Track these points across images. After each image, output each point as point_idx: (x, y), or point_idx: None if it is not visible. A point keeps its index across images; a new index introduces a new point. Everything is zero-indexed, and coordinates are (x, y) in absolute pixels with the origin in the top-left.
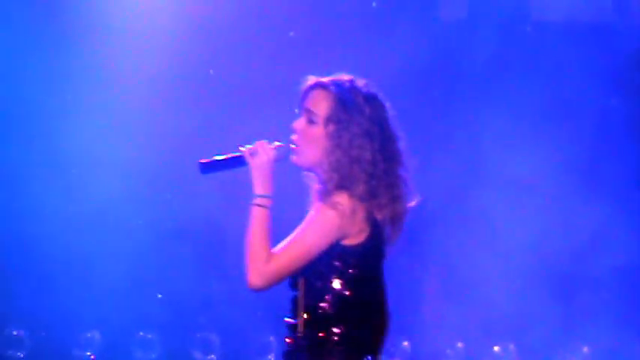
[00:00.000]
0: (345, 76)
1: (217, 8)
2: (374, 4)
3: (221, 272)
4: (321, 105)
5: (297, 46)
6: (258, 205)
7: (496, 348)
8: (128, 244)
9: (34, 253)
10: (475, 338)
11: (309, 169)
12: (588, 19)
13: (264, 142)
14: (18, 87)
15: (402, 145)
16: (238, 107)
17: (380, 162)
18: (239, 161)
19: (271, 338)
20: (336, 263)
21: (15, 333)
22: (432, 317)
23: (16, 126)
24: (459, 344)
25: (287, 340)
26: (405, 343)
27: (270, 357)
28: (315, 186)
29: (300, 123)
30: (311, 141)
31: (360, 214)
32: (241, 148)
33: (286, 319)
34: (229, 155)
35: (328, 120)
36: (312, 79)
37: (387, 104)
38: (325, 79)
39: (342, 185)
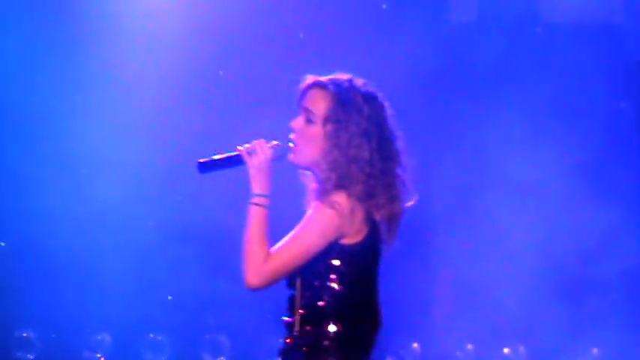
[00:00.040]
0: (343, 76)
1: (227, 10)
2: (384, 6)
3: (231, 274)
4: (320, 104)
5: (307, 47)
6: (256, 205)
7: (506, 350)
8: (138, 245)
9: (43, 254)
10: (485, 340)
11: (307, 169)
12: (598, 21)
13: (261, 141)
14: (28, 88)
15: (401, 144)
16: (248, 108)
17: (378, 162)
18: (237, 160)
19: (280, 340)
20: (334, 262)
21: (25, 335)
22: (441, 319)
23: (26, 127)
24: (469, 346)
25: (284, 338)
26: (415, 345)
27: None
28: (312, 185)
29: (298, 122)
30: (309, 140)
31: (359, 214)
32: (239, 148)
33: (283, 318)
34: (227, 154)
35: (327, 119)
36: (310, 78)
37: (386, 104)
38: (324, 79)
39: (340, 185)
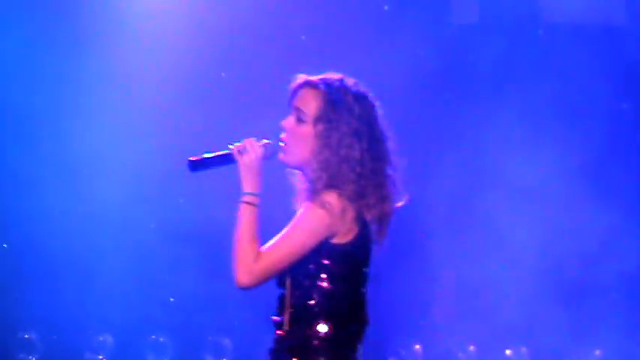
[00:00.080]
0: (334, 75)
1: (228, 12)
2: (386, 8)
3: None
4: (311, 104)
5: (309, 49)
6: (247, 203)
7: (508, 351)
8: (139, 246)
9: (45, 255)
10: (487, 341)
11: (298, 168)
12: (600, 23)
13: (252, 139)
14: (28, 89)
15: (391, 144)
16: (250, 110)
17: (368, 161)
18: (228, 159)
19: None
20: (325, 262)
21: (27, 336)
22: (443, 320)
23: (27, 128)
24: (471, 347)
25: (273, 337)
26: (417, 347)
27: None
28: (302, 185)
29: (289, 121)
30: (300, 140)
31: (350, 214)
32: (230, 146)
33: (273, 317)
34: (218, 153)
35: (317, 119)
36: (301, 78)
37: (377, 103)
38: (315, 78)
39: (330, 184)
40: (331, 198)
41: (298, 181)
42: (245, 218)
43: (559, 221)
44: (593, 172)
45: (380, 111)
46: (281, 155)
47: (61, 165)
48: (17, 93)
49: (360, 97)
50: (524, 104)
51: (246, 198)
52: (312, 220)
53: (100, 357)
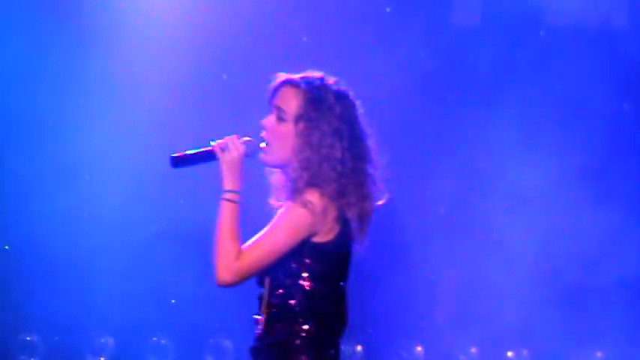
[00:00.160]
0: (315, 74)
1: (230, 13)
2: (387, 9)
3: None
4: (292, 103)
5: (310, 50)
6: (228, 201)
7: (509, 353)
8: (141, 247)
9: (47, 258)
10: (488, 344)
11: (278, 167)
12: (601, 24)
13: (234, 137)
14: (30, 91)
15: (372, 143)
16: (251, 112)
17: (349, 160)
18: (210, 156)
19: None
20: (306, 261)
21: (28, 338)
22: (445, 322)
23: (28, 128)
24: (473, 349)
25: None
26: (419, 349)
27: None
28: (283, 184)
29: (269, 120)
30: (280, 139)
31: (331, 213)
32: (212, 143)
33: (255, 316)
34: (200, 150)
35: (298, 118)
36: (282, 76)
37: (358, 102)
38: (295, 77)
39: (312, 183)
40: (313, 197)
41: (277, 180)
42: (226, 216)
43: (560, 223)
44: (594, 174)
45: (361, 109)
46: (261, 155)
47: (61, 165)
48: (17, 93)
49: (341, 96)
50: (524, 105)
51: (227, 195)
52: (294, 219)
53: (102, 359)
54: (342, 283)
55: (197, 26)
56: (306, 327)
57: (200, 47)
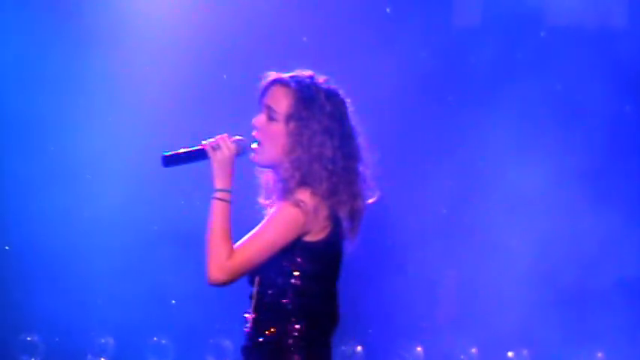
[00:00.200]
0: (305, 72)
1: (230, 13)
2: (388, 10)
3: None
4: (282, 102)
5: (310, 50)
6: (219, 200)
7: (510, 354)
8: (142, 248)
9: (47, 258)
10: (489, 344)
11: (270, 167)
12: (602, 25)
13: (225, 136)
14: (31, 91)
15: (362, 141)
16: (251, 112)
17: (340, 159)
18: (201, 155)
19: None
20: (298, 260)
21: (29, 339)
22: (445, 323)
23: (29, 130)
24: (473, 350)
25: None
26: (419, 349)
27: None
28: (274, 183)
29: (260, 120)
30: (272, 138)
31: (323, 212)
32: (203, 142)
33: (245, 315)
34: (192, 149)
35: (289, 117)
36: (272, 75)
37: (348, 100)
38: (285, 76)
39: (303, 182)
40: (304, 196)
41: (267, 180)
42: (217, 215)
43: (560, 224)
44: (594, 175)
45: (351, 107)
46: (252, 156)
47: (61, 165)
48: (17, 93)
49: (331, 94)
50: (525, 106)
51: (219, 194)
52: (286, 218)
53: (102, 359)
54: (333, 282)
55: (197, 26)
56: (297, 326)
57: (200, 47)
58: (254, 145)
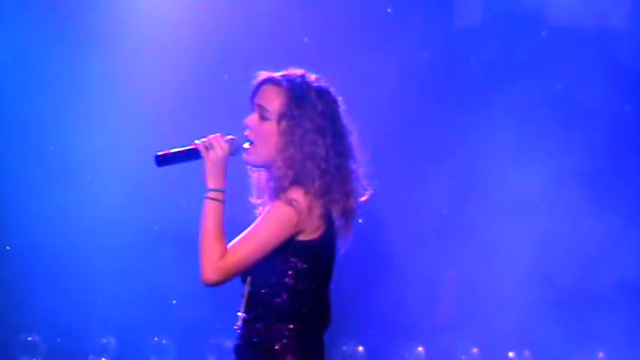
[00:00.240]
0: (296, 71)
1: (231, 13)
2: (389, 10)
3: (237, 278)
4: (274, 101)
5: (311, 51)
6: (212, 199)
7: (511, 354)
8: (142, 248)
9: (47, 258)
10: (490, 344)
11: (263, 167)
12: (602, 25)
13: (218, 135)
14: (31, 91)
15: (354, 139)
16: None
17: (332, 157)
18: (194, 154)
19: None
20: (292, 259)
21: (30, 339)
22: (446, 323)
23: (29, 130)
24: (474, 350)
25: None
26: (420, 349)
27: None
28: (267, 183)
29: (252, 119)
30: (264, 138)
31: (317, 211)
32: (196, 141)
33: (239, 314)
34: (185, 148)
35: (281, 116)
36: (263, 75)
37: (339, 98)
38: (277, 75)
39: (296, 181)
40: (298, 195)
41: (259, 179)
42: (210, 215)
43: (560, 224)
44: (594, 176)
45: (343, 106)
46: (245, 156)
47: (61, 165)
48: (17, 93)
49: (323, 93)
50: (525, 106)
51: (211, 194)
52: (279, 218)
53: (103, 359)
54: (327, 281)
55: (197, 26)
56: (291, 325)
57: (200, 47)
58: (246, 145)
